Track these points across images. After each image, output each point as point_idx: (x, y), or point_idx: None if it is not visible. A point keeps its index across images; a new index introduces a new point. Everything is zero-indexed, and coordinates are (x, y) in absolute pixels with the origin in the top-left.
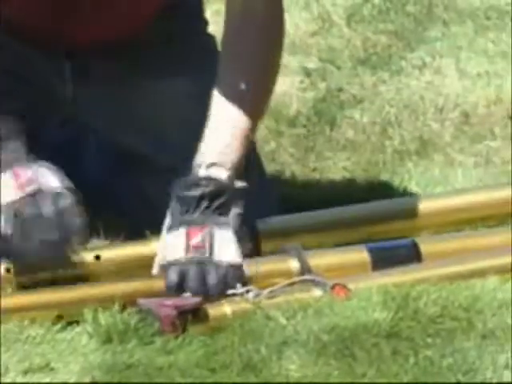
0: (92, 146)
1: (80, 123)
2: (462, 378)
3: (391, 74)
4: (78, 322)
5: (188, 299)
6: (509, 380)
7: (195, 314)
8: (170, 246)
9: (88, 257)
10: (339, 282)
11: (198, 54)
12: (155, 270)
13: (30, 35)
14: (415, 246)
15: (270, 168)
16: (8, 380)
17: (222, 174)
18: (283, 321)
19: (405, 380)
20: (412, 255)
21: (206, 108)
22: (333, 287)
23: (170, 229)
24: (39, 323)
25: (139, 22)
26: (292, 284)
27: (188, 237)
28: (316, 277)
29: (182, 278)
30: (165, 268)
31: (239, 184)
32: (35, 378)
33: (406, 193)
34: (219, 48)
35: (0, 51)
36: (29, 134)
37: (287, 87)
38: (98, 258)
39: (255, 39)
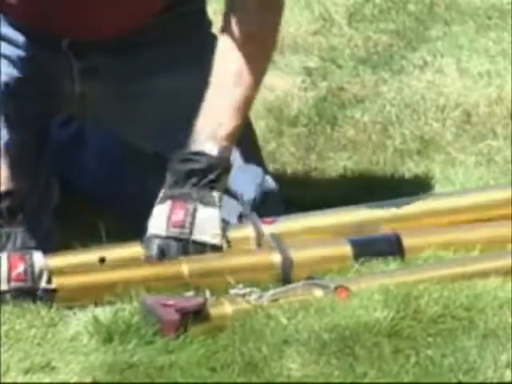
0: (94, 144)
1: (85, 121)
2: (463, 378)
3: (392, 74)
4: (78, 322)
5: (190, 300)
6: (510, 379)
7: (197, 315)
8: (154, 218)
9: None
10: (342, 284)
11: (204, 53)
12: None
13: (38, 30)
14: (398, 239)
15: (270, 167)
16: (9, 379)
17: (214, 150)
18: (284, 320)
19: (406, 379)
20: (394, 249)
21: None
22: (335, 289)
23: (159, 201)
24: (40, 323)
25: (146, 16)
26: (295, 288)
27: (171, 212)
28: (320, 280)
29: (162, 252)
30: (147, 240)
31: (229, 161)
32: (36, 377)
33: (406, 192)
34: None
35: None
36: (38, 134)
37: (288, 86)
38: (102, 260)
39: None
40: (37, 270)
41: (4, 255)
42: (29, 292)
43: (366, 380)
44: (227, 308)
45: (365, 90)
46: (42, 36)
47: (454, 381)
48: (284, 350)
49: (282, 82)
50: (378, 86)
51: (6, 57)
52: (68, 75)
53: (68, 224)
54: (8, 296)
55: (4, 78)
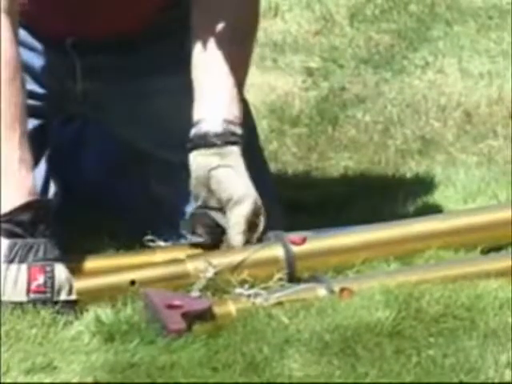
0: (95, 144)
1: (86, 121)
2: (464, 378)
3: (394, 74)
4: (80, 321)
5: (196, 302)
6: (510, 379)
7: (202, 316)
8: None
9: None
10: (347, 286)
11: None
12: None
13: (42, 30)
14: None
15: (272, 167)
16: (9, 379)
17: (238, 129)
18: (286, 320)
19: (407, 379)
20: None
21: None
22: (341, 291)
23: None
24: (41, 322)
25: (148, 15)
26: (301, 289)
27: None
28: (325, 282)
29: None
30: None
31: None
32: (37, 377)
33: (407, 192)
34: None
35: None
36: (39, 133)
37: (290, 87)
38: (133, 283)
39: None
40: (57, 281)
41: (24, 266)
42: (48, 303)
43: (368, 380)
44: (231, 308)
45: (366, 90)
46: (45, 35)
47: (456, 381)
48: (285, 350)
49: (284, 82)
50: (380, 86)
51: None
52: (71, 74)
53: (68, 224)
54: (28, 306)
55: None
